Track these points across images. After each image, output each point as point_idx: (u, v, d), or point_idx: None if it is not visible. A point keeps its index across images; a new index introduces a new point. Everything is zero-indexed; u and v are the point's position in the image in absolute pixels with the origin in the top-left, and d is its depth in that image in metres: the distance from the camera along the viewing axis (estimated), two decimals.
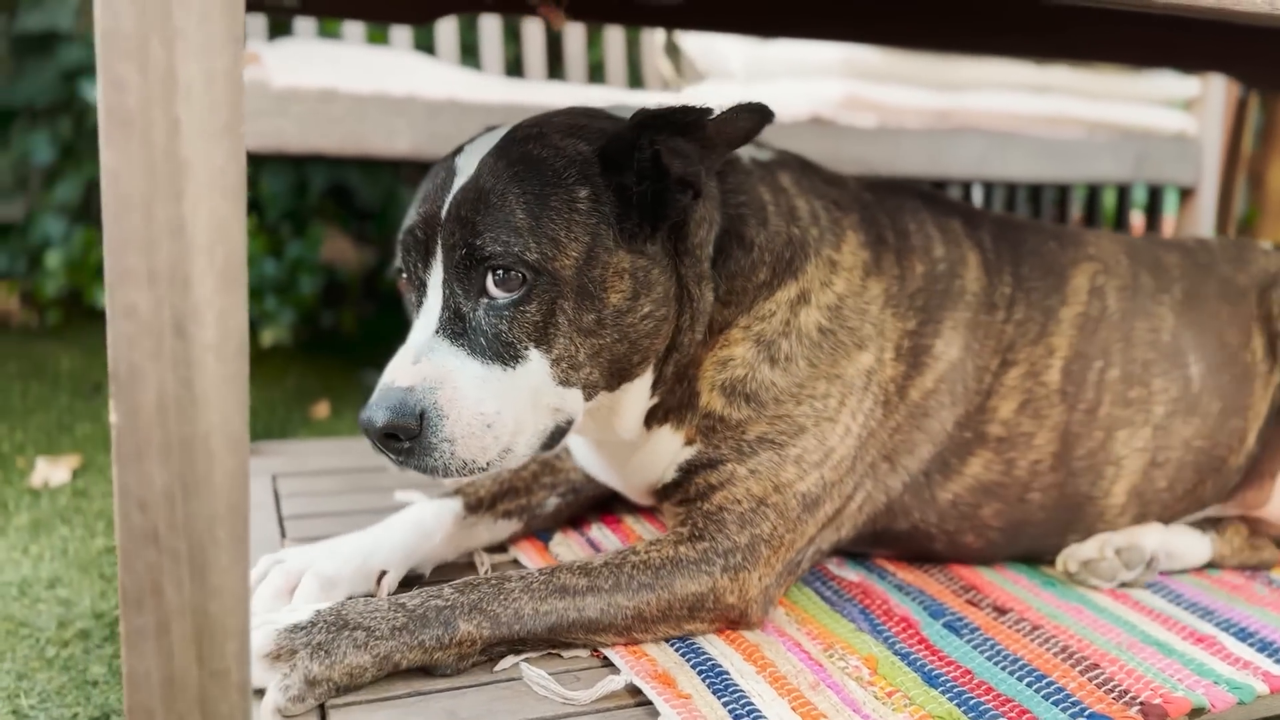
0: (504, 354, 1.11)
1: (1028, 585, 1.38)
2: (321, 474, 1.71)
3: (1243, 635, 1.27)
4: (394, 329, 3.64)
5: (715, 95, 2.43)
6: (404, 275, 1.19)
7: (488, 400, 1.09)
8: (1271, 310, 1.51)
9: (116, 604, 1.61)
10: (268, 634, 1.02)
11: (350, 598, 1.17)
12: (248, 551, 0.76)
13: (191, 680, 0.76)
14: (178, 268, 0.70)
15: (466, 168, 1.15)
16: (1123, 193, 3.05)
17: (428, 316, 1.14)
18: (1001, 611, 1.29)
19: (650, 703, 1.07)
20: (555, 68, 3.18)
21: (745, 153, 1.31)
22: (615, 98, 2.36)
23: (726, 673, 1.11)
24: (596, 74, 3.33)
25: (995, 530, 1.38)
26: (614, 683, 1.09)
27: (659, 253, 1.18)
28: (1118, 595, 1.37)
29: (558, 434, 1.17)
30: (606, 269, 1.14)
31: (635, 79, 3.27)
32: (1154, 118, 2.84)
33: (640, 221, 1.16)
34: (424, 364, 1.10)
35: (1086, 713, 1.07)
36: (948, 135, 2.58)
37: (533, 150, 1.15)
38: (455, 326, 1.12)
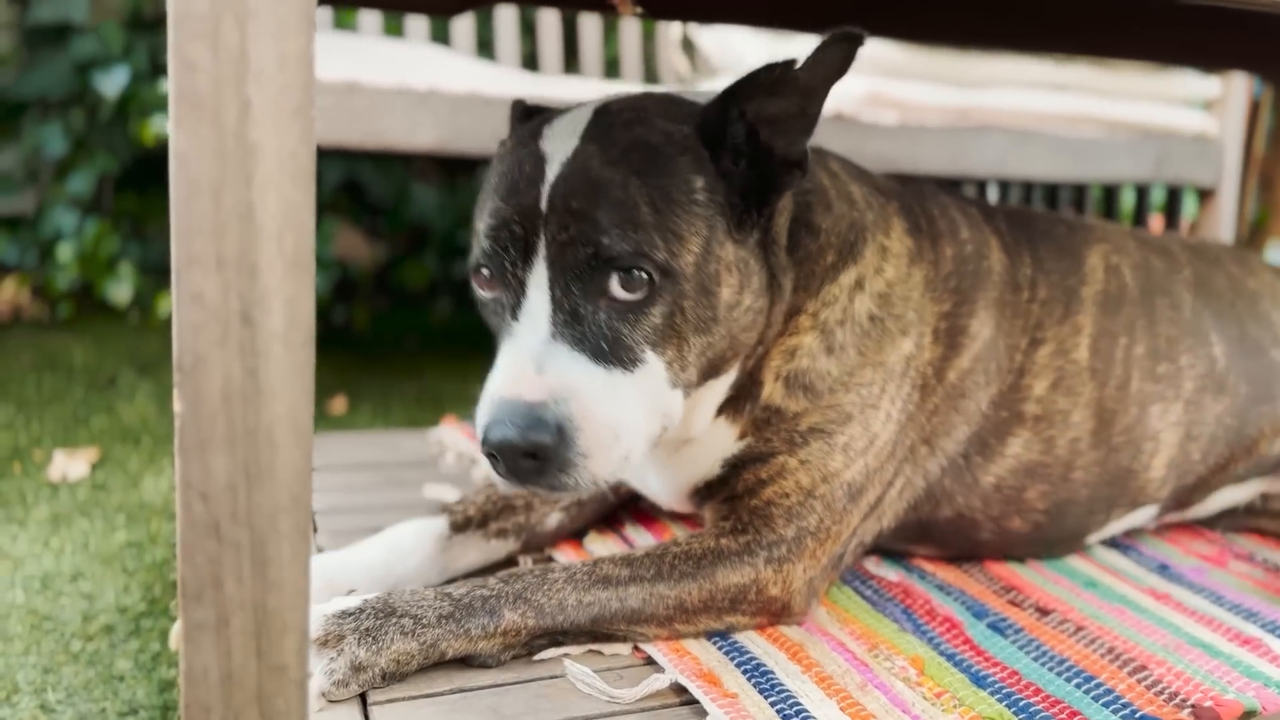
0: (624, 358, 1.05)
1: (1069, 586, 1.37)
2: (348, 469, 1.69)
3: None
4: (406, 324, 3.65)
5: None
6: (486, 273, 1.10)
7: (616, 409, 1.04)
8: None
9: (140, 599, 1.60)
10: (315, 619, 1.01)
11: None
12: (309, 545, 0.75)
13: (250, 676, 0.75)
14: (246, 254, 0.69)
15: (559, 152, 1.07)
16: (1141, 193, 3.03)
17: (533, 319, 1.05)
18: (1044, 612, 1.28)
19: (695, 702, 1.05)
20: (570, 62, 3.17)
21: None
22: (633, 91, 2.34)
23: (772, 672, 1.10)
24: (612, 69, 3.31)
25: (1040, 512, 1.38)
26: (659, 681, 1.07)
27: (755, 242, 1.15)
28: (1159, 596, 1.35)
29: (661, 434, 1.13)
30: (719, 263, 1.10)
31: (651, 74, 3.26)
32: (1175, 118, 2.82)
33: (747, 208, 1.12)
34: (549, 373, 1.02)
35: (1138, 715, 1.06)
36: (969, 133, 2.56)
37: (641, 134, 1.09)
38: (573, 330, 1.04)
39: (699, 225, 1.07)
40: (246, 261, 0.69)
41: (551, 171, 1.06)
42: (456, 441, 1.72)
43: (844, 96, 2.51)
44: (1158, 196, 3.38)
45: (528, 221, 1.05)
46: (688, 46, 3.25)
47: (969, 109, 2.62)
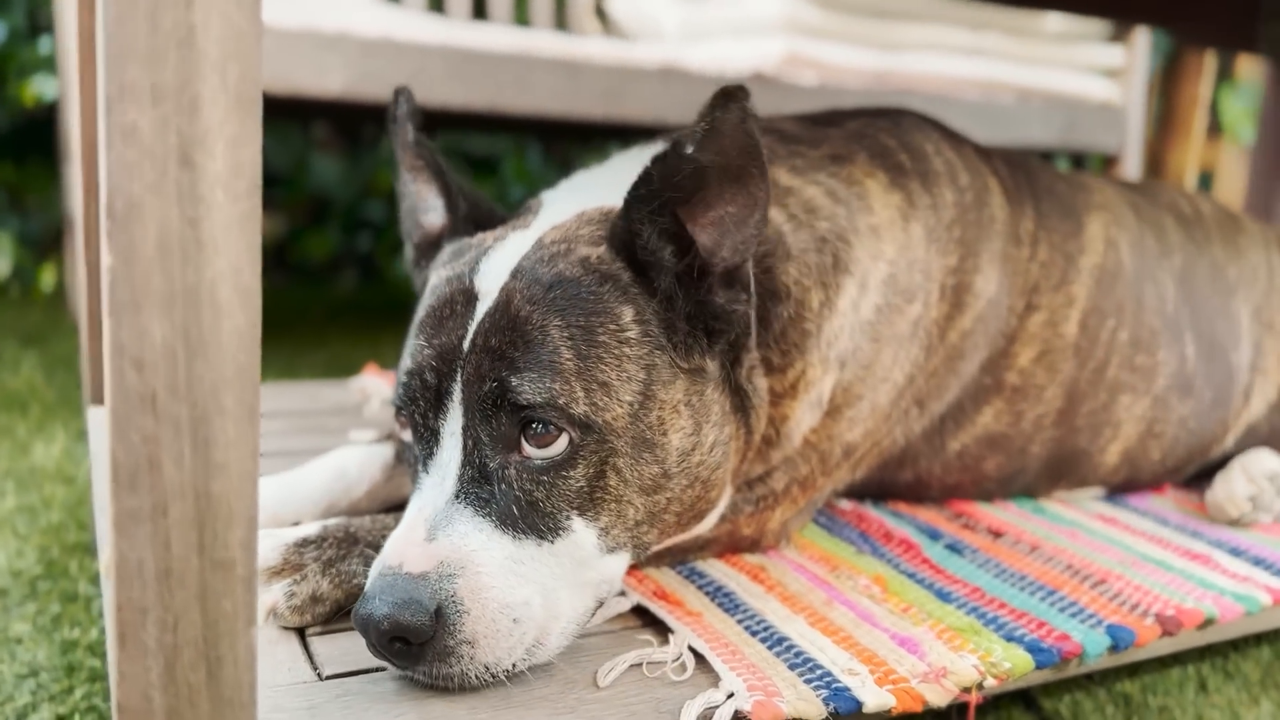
0: (540, 526, 0.90)
1: (1018, 512, 1.35)
2: (270, 416, 1.59)
3: (1235, 552, 1.26)
4: (308, 298, 3.50)
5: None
6: (403, 416, 0.96)
7: (518, 588, 0.87)
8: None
9: (36, 561, 1.48)
10: (274, 547, 0.93)
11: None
12: (257, 425, 0.67)
13: (191, 572, 0.66)
14: (186, 85, 0.61)
15: (488, 290, 0.94)
16: (1045, 159, 3.09)
17: (441, 474, 0.91)
18: (997, 535, 1.26)
19: (658, 623, 1.00)
20: (480, 7, 3.10)
21: None
22: (542, 41, 2.28)
23: (733, 593, 1.05)
24: (521, 14, 3.23)
25: (992, 481, 1.35)
26: (620, 604, 1.02)
27: (713, 366, 0.99)
28: (1106, 519, 1.35)
29: (596, 608, 0.96)
30: (664, 407, 0.94)
31: (561, 21, 3.19)
32: (1082, 85, 2.88)
33: (693, 330, 0.96)
34: (440, 542, 0.86)
35: (1104, 624, 1.05)
36: (887, 96, 2.57)
37: (564, 270, 0.94)
38: (479, 490, 0.89)
39: (631, 369, 0.92)
40: (187, 94, 0.61)
41: (480, 310, 0.94)
42: (380, 389, 1.63)
43: (763, 56, 2.49)
44: (1062, 163, 3.46)
45: (444, 365, 0.92)
46: (600, 15, 3.20)
47: (887, 72, 2.63)
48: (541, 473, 0.90)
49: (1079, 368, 1.31)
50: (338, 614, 0.96)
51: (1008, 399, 1.28)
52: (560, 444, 0.90)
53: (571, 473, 0.90)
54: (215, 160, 0.62)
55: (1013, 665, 0.96)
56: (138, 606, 0.66)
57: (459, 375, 0.91)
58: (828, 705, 0.87)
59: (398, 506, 1.20)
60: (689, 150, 0.89)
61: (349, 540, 0.97)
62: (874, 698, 0.89)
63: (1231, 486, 1.39)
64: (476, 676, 0.85)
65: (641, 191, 0.93)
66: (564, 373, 0.89)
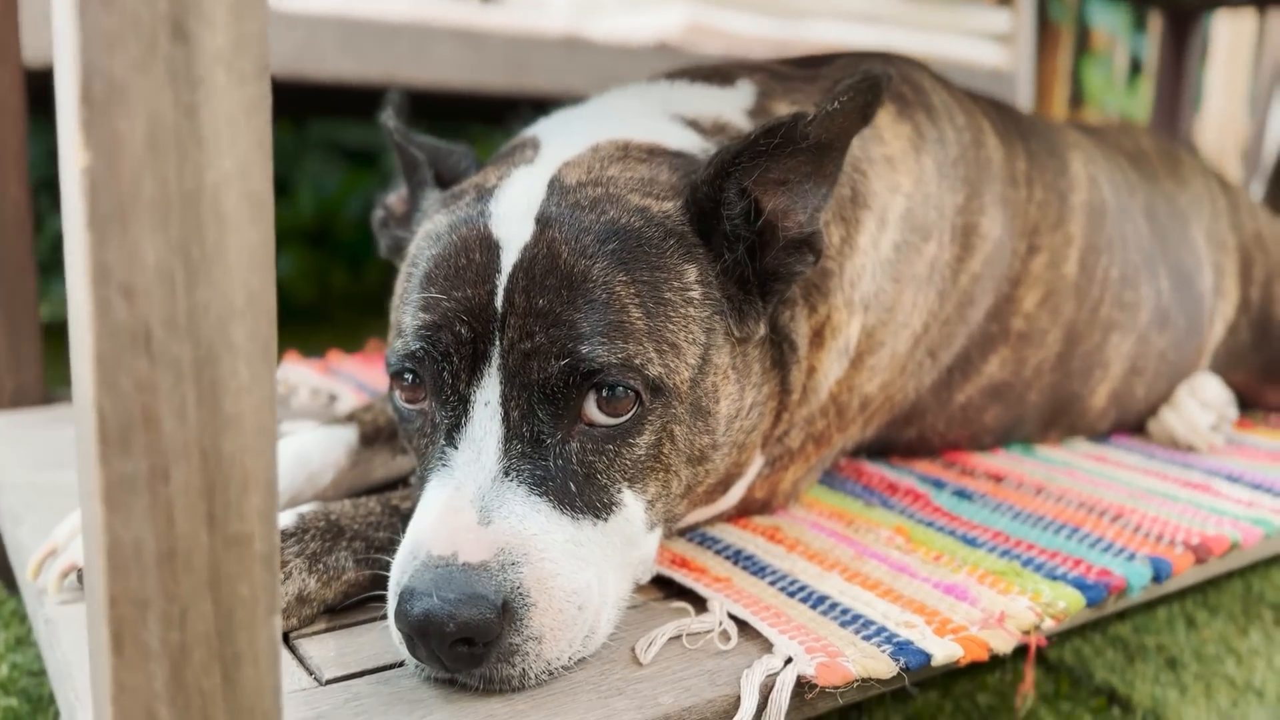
0: (596, 502, 0.81)
1: (1009, 456, 1.31)
2: None
3: (1232, 479, 1.24)
4: None
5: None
6: (411, 379, 0.85)
7: (579, 571, 0.78)
8: (1240, 247, 1.52)
9: None
10: None
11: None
12: (274, 366, 0.55)
13: (200, 551, 0.54)
14: None
15: (515, 237, 0.83)
16: None
17: (478, 448, 0.80)
18: (998, 479, 1.21)
19: (685, 593, 0.91)
20: None
21: (725, 117, 1.03)
22: (441, 10, 2.15)
23: (753, 556, 0.96)
24: None
25: (989, 433, 1.30)
26: (642, 579, 0.92)
27: (764, 328, 0.92)
28: (1097, 458, 1.32)
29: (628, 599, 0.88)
30: (717, 373, 0.87)
31: None
32: (975, 51, 2.90)
33: (748, 298, 0.89)
34: (499, 525, 0.76)
35: (1136, 556, 1.00)
36: None
37: (615, 216, 0.84)
38: (533, 465, 0.79)
39: (695, 332, 0.85)
40: None
41: (508, 260, 0.82)
42: (306, 378, 1.49)
43: (665, 27, 2.43)
44: None
45: (477, 323, 0.81)
46: None
47: (789, 40, 2.59)
48: (607, 441, 0.81)
49: (1078, 308, 1.27)
50: (324, 612, 0.84)
51: (1013, 346, 1.23)
52: (631, 409, 0.81)
53: (637, 440, 0.82)
54: (215, 33, 0.50)
55: (1067, 604, 0.90)
56: (136, 599, 0.53)
57: (497, 339, 0.81)
58: (896, 661, 0.79)
59: (364, 493, 1.07)
60: (808, 128, 0.84)
61: (333, 531, 0.85)
62: (940, 649, 0.81)
63: (1191, 417, 1.38)
64: (537, 676, 0.76)
65: (741, 158, 0.85)
66: (635, 333, 0.81)
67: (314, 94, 2.34)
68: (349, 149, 3.58)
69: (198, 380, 0.52)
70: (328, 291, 3.30)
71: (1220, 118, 4.15)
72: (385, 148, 3.59)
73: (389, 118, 1.05)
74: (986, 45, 2.95)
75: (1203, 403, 1.42)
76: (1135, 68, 4.77)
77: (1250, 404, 1.59)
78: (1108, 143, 1.49)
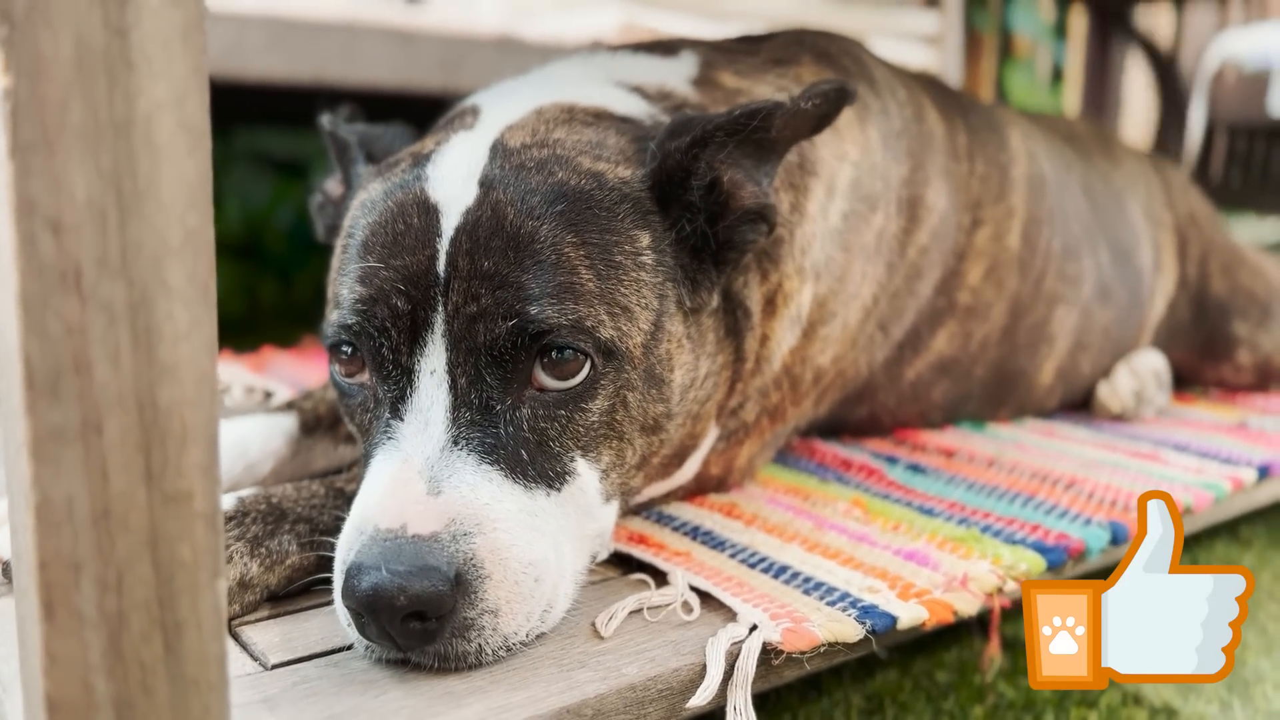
0: (549, 471, 0.78)
1: (958, 433, 1.31)
2: None
3: (1179, 449, 1.25)
4: None
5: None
6: (349, 352, 0.82)
7: (535, 542, 0.76)
8: (1176, 226, 1.54)
9: None
10: None
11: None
12: (213, 310, 0.52)
13: (137, 510, 0.50)
14: None
15: (456, 200, 0.81)
16: None
17: (425, 418, 0.77)
18: (949, 454, 1.20)
19: (645, 568, 0.88)
20: None
21: (669, 85, 1.00)
22: (371, 9, 2.12)
23: (712, 531, 0.94)
24: None
25: (937, 409, 1.29)
26: (600, 554, 0.89)
27: (716, 298, 0.91)
28: (1045, 432, 1.32)
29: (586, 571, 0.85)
30: (671, 340, 0.85)
31: None
32: (905, 53, 2.93)
33: (701, 269, 0.88)
34: (448, 495, 0.73)
35: (1093, 521, 1.00)
36: None
37: (568, 180, 0.82)
38: (483, 432, 0.76)
39: (648, 296, 0.83)
40: None
41: (449, 224, 0.80)
42: (239, 375, 1.44)
43: (599, 27, 2.42)
44: None
45: (417, 290, 0.78)
46: None
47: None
48: (559, 406, 0.79)
49: (1021, 280, 1.27)
50: (268, 598, 0.80)
51: (960, 319, 1.22)
52: (582, 372, 0.79)
53: (590, 405, 0.80)
54: None
55: (1028, 566, 0.89)
56: (68, 561, 0.49)
57: (440, 305, 0.78)
58: (862, 624, 0.78)
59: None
60: (779, 117, 0.85)
61: (275, 514, 0.81)
62: (905, 611, 0.80)
63: (1115, 382, 1.41)
64: (494, 652, 0.73)
65: (721, 131, 0.84)
66: (585, 294, 0.79)
67: (240, 99, 2.28)
68: (277, 159, 3.50)
69: (132, 324, 0.49)
70: (257, 305, 3.23)
71: (1141, 116, 4.25)
72: (315, 157, 3.53)
73: (328, 120, 1.03)
74: (915, 47, 2.98)
75: (1132, 370, 1.44)
76: (1057, 74, 4.88)
77: (1190, 380, 1.61)
78: (1042, 125, 1.50)
